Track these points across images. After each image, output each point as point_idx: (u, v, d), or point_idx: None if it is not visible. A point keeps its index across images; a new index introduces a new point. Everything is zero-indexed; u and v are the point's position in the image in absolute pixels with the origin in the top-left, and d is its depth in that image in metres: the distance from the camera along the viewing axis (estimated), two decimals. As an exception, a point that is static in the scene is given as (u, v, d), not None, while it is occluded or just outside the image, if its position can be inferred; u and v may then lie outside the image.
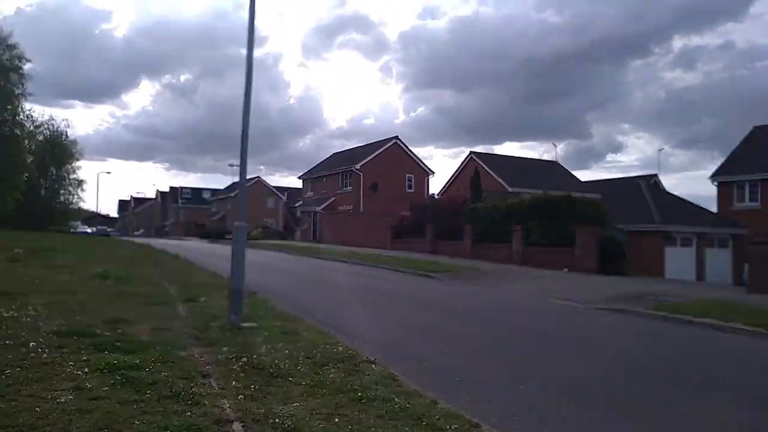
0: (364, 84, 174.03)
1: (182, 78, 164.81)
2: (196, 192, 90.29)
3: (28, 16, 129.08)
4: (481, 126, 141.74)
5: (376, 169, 42.76)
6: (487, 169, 42.33)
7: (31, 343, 5.35)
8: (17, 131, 33.70)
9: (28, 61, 34.14)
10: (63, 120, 63.59)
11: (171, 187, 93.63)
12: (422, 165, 46.32)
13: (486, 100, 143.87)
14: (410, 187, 45.01)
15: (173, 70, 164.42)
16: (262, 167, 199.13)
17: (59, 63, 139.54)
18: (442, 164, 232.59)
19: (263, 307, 9.27)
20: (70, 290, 9.25)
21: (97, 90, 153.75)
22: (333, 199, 45.33)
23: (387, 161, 43.35)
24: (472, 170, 43.59)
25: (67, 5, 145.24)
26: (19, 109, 33.66)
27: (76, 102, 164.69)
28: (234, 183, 77.00)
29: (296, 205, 75.74)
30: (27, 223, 42.39)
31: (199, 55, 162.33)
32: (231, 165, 76.81)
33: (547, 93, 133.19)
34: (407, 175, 44.84)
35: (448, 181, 46.68)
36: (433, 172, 46.83)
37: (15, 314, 6.69)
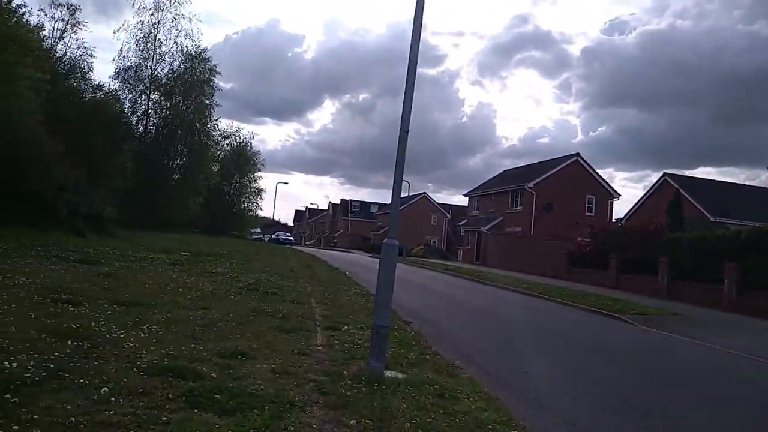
0: (540, 102, 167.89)
1: (361, 97, 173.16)
2: (365, 205, 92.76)
3: (234, 42, 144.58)
4: (670, 148, 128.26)
5: (552, 189, 39.32)
6: (684, 193, 36.76)
7: (104, 388, 3.99)
8: (205, 140, 36.37)
9: (218, 73, 36.84)
10: (249, 132, 69.00)
11: (342, 200, 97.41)
12: (606, 186, 41.81)
13: (677, 120, 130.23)
14: (590, 210, 40.78)
15: (353, 89, 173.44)
16: (429, 184, 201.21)
17: (256, 84, 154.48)
18: (623, 188, 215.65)
19: (415, 346, 7.43)
20: (206, 304, 8.23)
21: (286, 108, 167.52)
22: (500, 218, 42.68)
23: (565, 180, 39.68)
24: (665, 194, 38.33)
25: (266, 31, 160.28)
26: (208, 120, 36.36)
27: (267, 119, 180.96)
28: (403, 198, 77.55)
29: (460, 223, 74.13)
30: (209, 226, 45.88)
31: (378, 75, 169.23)
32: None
33: (751, 113, 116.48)
34: (588, 196, 40.69)
35: (635, 205, 41.54)
36: (618, 195, 42.12)
37: (122, 335, 5.56)
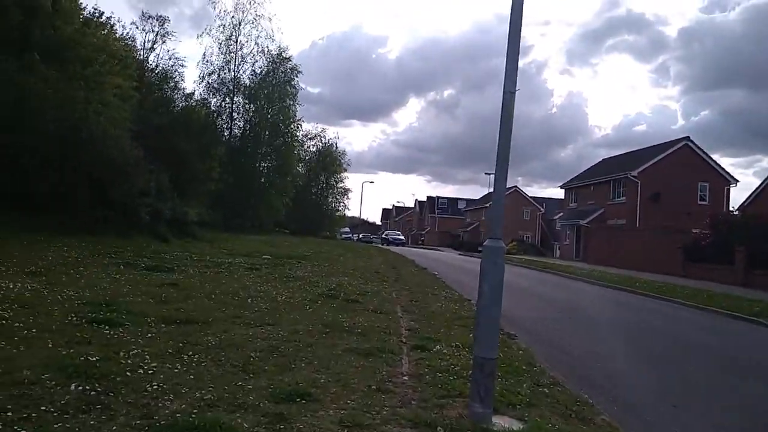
0: (634, 88, 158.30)
1: (445, 94, 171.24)
2: (452, 202, 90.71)
3: (320, 48, 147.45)
4: None
5: (659, 177, 35.68)
6: (815, 177, 32.29)
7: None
8: (290, 141, 36.11)
9: (300, 72, 36.48)
10: (334, 133, 69.19)
11: (428, 197, 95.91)
12: (722, 172, 37.48)
13: None
14: (703, 199, 36.71)
15: (438, 86, 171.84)
16: (519, 178, 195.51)
17: (342, 87, 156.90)
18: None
19: (526, 372, 5.82)
20: (274, 318, 7.03)
21: (372, 109, 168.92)
22: (601, 211, 39.43)
23: (673, 167, 35.88)
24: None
25: (351, 35, 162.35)
26: (292, 120, 36.05)
27: (354, 121, 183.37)
28: (489, 193, 74.94)
29: (555, 217, 70.35)
30: (298, 227, 45.87)
31: (461, 71, 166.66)
32: (487, 174, 74.65)
33: None
34: (700, 183, 36.64)
35: (755, 192, 36.95)
36: (735, 181, 37.66)
37: (152, 369, 4.38)
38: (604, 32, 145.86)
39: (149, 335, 5.41)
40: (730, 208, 36.43)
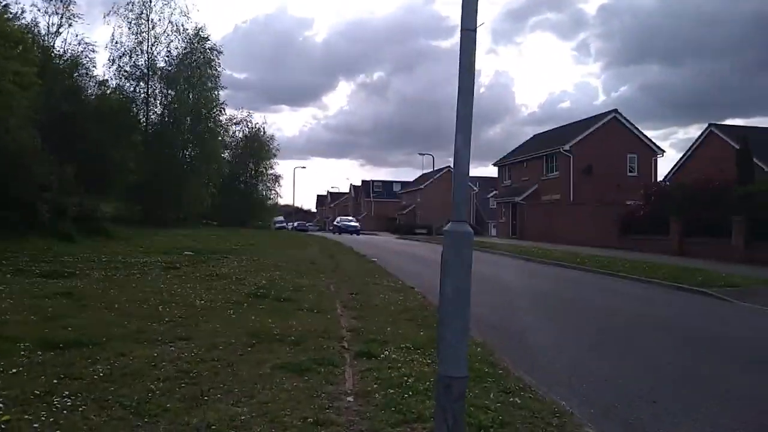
0: (558, 66, 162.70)
1: (375, 76, 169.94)
2: (387, 185, 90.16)
3: (243, 31, 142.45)
4: (696, 102, 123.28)
5: (590, 150, 36.11)
6: (732, 144, 33.51)
7: None
8: (213, 126, 33.90)
9: (220, 53, 34.36)
10: (261, 117, 64.92)
11: (363, 181, 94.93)
12: (648, 143, 38.36)
13: (703, 73, 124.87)
14: (632, 170, 37.54)
15: (367, 68, 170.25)
16: (450, 159, 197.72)
17: (269, 71, 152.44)
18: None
19: (490, 377, 4.94)
20: (188, 330, 5.83)
21: (301, 94, 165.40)
22: (535, 187, 39.70)
23: (603, 140, 36.37)
24: (711, 148, 35.00)
25: (275, 17, 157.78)
26: (215, 105, 33.80)
27: (284, 106, 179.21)
28: (424, 173, 74.77)
29: (489, 195, 71.06)
30: (227, 218, 43.74)
31: (390, 52, 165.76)
32: (421, 154, 74.51)
33: None
34: (629, 155, 37.40)
35: (679, 162, 38.18)
36: (662, 151, 38.72)
37: (5, 423, 3.17)
38: (526, 10, 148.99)
39: (14, 369, 4.12)
40: (659, 179, 37.53)
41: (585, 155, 36.31)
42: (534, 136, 48.47)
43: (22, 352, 4.52)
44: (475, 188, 71.67)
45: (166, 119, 32.97)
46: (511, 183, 44.43)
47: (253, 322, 6.49)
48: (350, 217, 59.34)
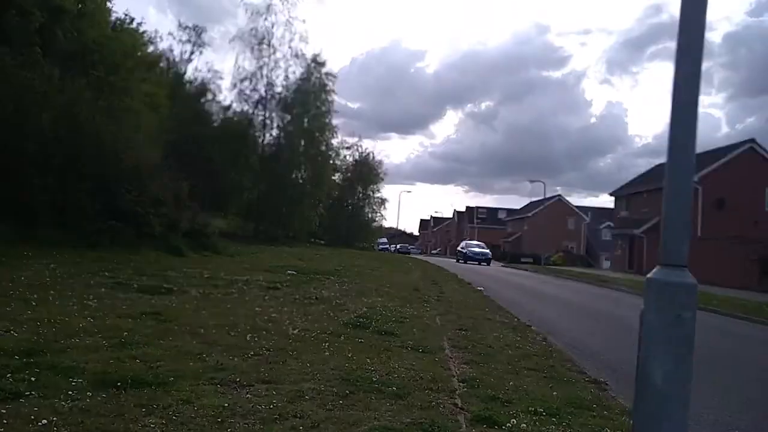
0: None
1: (483, 105, 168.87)
2: (492, 212, 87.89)
3: (359, 63, 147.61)
4: None
5: (722, 182, 32.57)
6: None
7: None
8: (325, 149, 34.49)
9: (334, 77, 34.94)
10: (372, 143, 65.32)
11: (467, 207, 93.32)
12: (790, 175, 34.06)
13: None
14: (769, 206, 33.46)
15: (475, 98, 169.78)
16: (558, 188, 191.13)
17: (381, 101, 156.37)
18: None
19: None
20: (276, 369, 5.01)
21: (410, 122, 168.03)
22: (656, 220, 36.32)
23: (738, 172, 32.72)
24: None
25: (389, 49, 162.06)
26: (327, 128, 34.39)
27: (393, 134, 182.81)
28: (532, 201, 71.94)
29: (602, 227, 66.84)
30: (334, 238, 44.04)
31: (499, 82, 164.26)
32: (532, 181, 71.84)
33: None
34: (767, 189, 33.31)
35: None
36: (806, 186, 34.14)
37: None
38: (645, 39, 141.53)
39: (46, 420, 3.28)
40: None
41: (716, 187, 32.79)
42: (656, 166, 44.75)
43: (70, 392, 3.78)
44: (586, 218, 67.83)
45: (282, 141, 33.86)
46: (629, 214, 41.16)
47: (350, 361, 5.58)
48: (479, 243, 45.55)
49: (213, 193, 27.46)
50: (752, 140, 34.47)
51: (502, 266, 42.49)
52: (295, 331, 6.92)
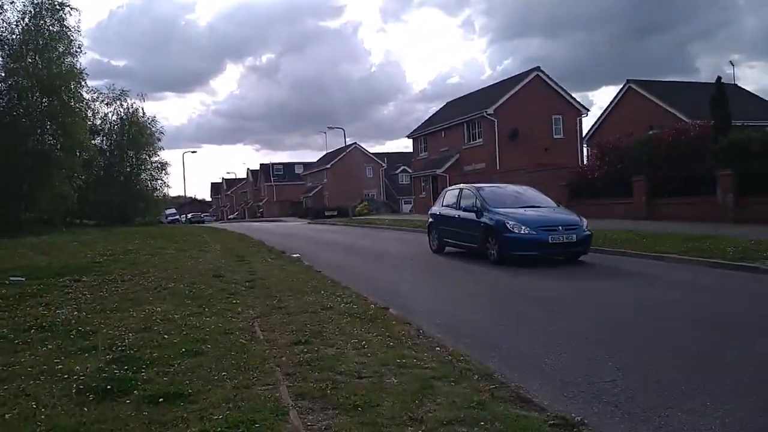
0: (445, 43, 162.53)
1: (264, 58, 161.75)
2: (288, 167, 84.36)
3: (120, 17, 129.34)
4: (574, 73, 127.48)
5: (514, 112, 33.13)
6: (653, 99, 31.99)
7: None
8: (72, 102, 26.85)
9: (74, 8, 27.49)
10: (138, 94, 51.45)
11: (261, 165, 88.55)
12: (573, 101, 36.00)
13: (579, 44, 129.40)
14: (558, 132, 35.15)
15: (255, 51, 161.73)
16: (348, 139, 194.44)
17: (151, 57, 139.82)
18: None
19: None
20: None
21: (187, 79, 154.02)
22: (457, 156, 36.39)
23: (528, 101, 33.50)
24: (630, 104, 33.30)
25: (153, 1, 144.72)
26: (71, 75, 26.54)
27: (169, 93, 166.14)
28: (328, 153, 69.89)
29: (397, 171, 67.61)
30: (104, 215, 36.82)
31: (277, 34, 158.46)
32: (330, 128, 69.28)
33: (646, 28, 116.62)
34: (553, 116, 34.86)
35: (598, 121, 36.37)
36: (587, 110, 36.54)
37: None
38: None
39: None
40: (584, 139, 35.57)
41: (510, 118, 33.32)
42: (447, 103, 45.18)
43: None
44: (383, 164, 68.03)
45: (12, 96, 25.75)
46: (428, 155, 40.90)
47: None
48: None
49: None
50: (538, 68, 35.47)
51: (309, 223, 39.65)
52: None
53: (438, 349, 5.20)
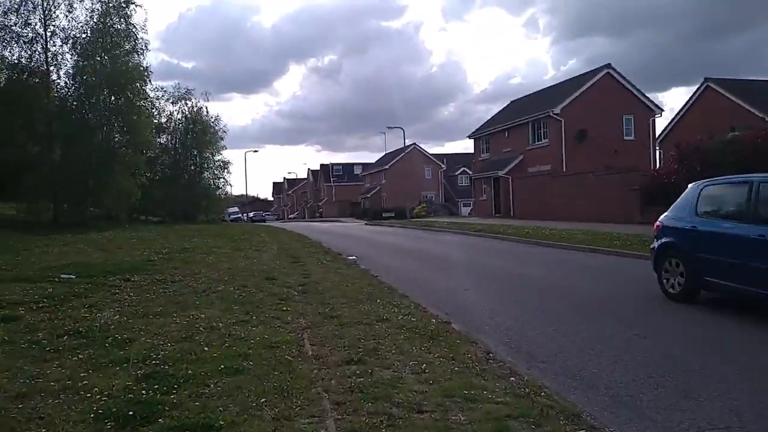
0: (508, 42, 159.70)
1: (326, 59, 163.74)
2: (347, 168, 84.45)
3: (188, 19, 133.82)
4: (642, 73, 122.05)
5: (583, 112, 31.45)
6: (734, 99, 29.63)
7: None
8: (137, 100, 27.23)
9: (139, 6, 27.94)
10: (202, 93, 52.39)
11: (321, 165, 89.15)
12: (646, 101, 33.91)
13: (647, 43, 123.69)
14: (629, 134, 33.23)
15: (317, 52, 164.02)
16: (407, 140, 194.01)
17: (218, 59, 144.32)
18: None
19: None
20: None
21: (252, 80, 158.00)
22: (521, 158, 35.00)
23: (597, 100, 31.69)
24: (709, 103, 31.10)
25: (220, 4, 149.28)
26: (136, 72, 26.91)
27: (235, 94, 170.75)
28: (387, 154, 69.43)
29: (456, 172, 66.38)
30: (168, 213, 37.54)
31: (339, 35, 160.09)
32: (390, 128, 68.65)
33: (719, 27, 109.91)
34: (624, 117, 32.96)
35: (673, 121, 34.15)
36: (661, 110, 34.39)
37: None
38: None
39: None
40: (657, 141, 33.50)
41: (577, 118, 31.69)
42: (511, 102, 43.69)
43: None
44: (443, 166, 66.97)
45: (81, 93, 26.33)
46: (490, 156, 39.64)
47: None
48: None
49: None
50: (608, 65, 33.51)
51: (366, 224, 39.21)
52: None
53: (512, 379, 4.42)
